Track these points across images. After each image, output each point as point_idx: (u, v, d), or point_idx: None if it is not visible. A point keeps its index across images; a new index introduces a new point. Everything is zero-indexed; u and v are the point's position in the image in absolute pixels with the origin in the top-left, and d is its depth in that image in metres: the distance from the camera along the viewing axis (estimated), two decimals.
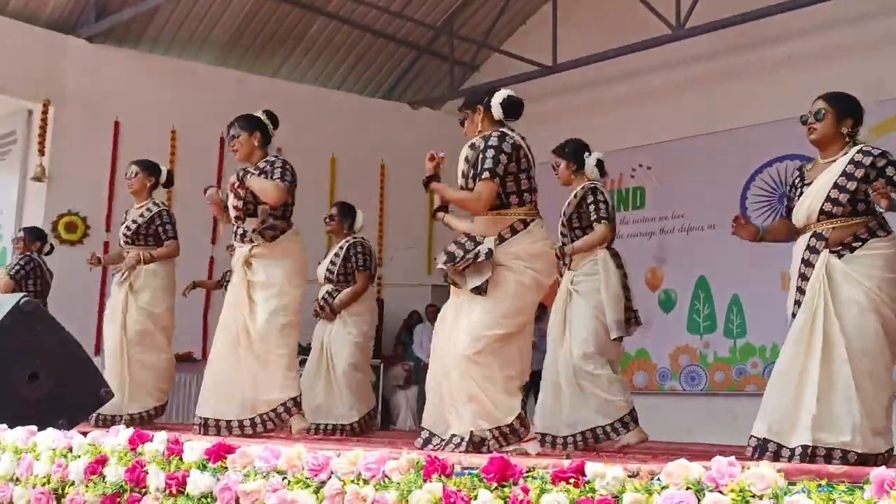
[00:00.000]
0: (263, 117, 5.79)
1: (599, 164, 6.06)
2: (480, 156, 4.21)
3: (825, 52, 9.84)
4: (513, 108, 4.49)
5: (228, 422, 5.14)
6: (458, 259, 4.13)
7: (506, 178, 4.24)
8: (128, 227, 6.71)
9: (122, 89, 10.60)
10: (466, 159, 4.41)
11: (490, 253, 4.12)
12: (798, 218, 4.44)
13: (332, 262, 7.62)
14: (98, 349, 10.00)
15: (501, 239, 4.29)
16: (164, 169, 6.95)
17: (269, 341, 5.44)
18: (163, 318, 6.82)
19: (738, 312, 9.93)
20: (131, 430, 2.56)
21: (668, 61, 10.72)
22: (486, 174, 4.17)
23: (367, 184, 12.06)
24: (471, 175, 4.22)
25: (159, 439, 2.54)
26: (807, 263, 4.35)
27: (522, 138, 4.34)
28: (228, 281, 6.48)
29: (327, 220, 7.85)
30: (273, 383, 5.43)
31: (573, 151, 6.07)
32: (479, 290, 4.19)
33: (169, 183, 6.92)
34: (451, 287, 4.36)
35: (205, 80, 11.21)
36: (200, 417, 5.20)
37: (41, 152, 10.24)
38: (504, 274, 4.23)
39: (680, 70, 10.78)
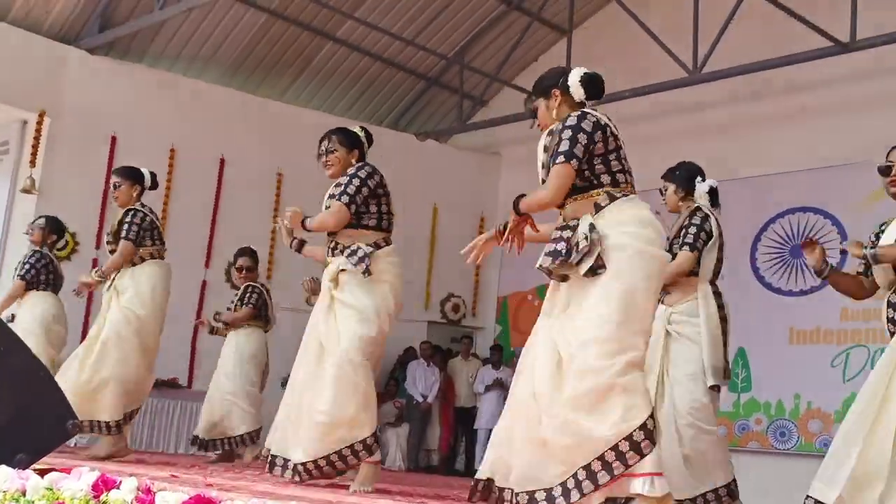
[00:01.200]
0: (361, 135, 5.28)
1: (712, 192, 5.28)
2: (557, 139, 3.61)
3: (840, 105, 9.64)
4: (594, 85, 3.78)
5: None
6: (566, 252, 3.51)
7: (593, 160, 3.59)
8: (109, 232, 6.26)
9: (120, 104, 10.34)
10: (545, 148, 3.82)
11: (592, 227, 3.46)
12: (884, 279, 3.95)
13: None
14: None
15: (597, 209, 3.57)
16: (146, 172, 6.35)
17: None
18: (145, 324, 6.06)
19: (743, 366, 9.63)
20: (96, 473, 2.25)
21: (682, 106, 10.51)
22: (560, 158, 3.56)
23: None
24: (550, 165, 3.66)
25: (128, 487, 2.23)
26: (892, 321, 3.91)
27: (608, 118, 3.62)
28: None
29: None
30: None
31: (684, 176, 5.30)
32: (596, 271, 3.44)
33: (154, 186, 6.36)
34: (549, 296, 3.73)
35: (208, 99, 10.97)
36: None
37: (33, 164, 9.96)
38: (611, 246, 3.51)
39: (694, 115, 10.56)
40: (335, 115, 12.14)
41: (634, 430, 3.16)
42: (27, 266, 7.14)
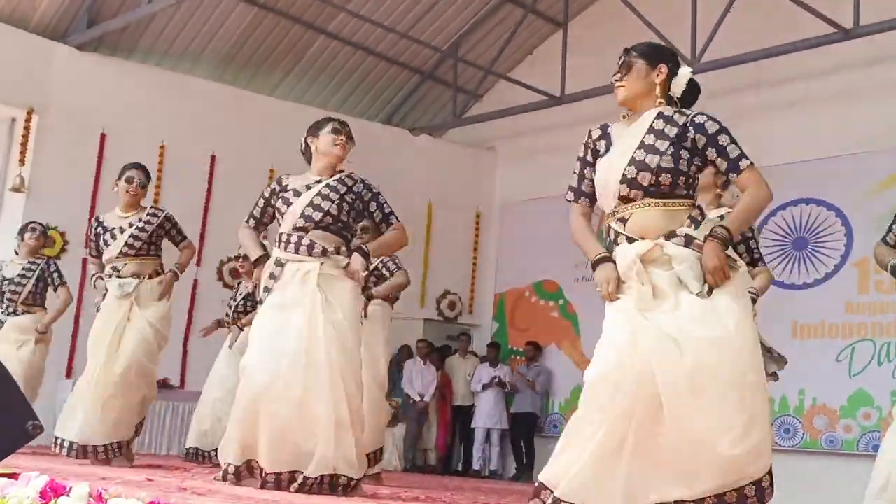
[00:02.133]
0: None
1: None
2: (717, 137, 3.27)
3: (843, 93, 9.46)
4: (693, 94, 3.54)
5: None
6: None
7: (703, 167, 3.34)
8: (134, 237, 5.97)
9: (110, 100, 10.16)
10: (661, 133, 3.26)
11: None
12: None
13: None
14: (70, 372, 9.50)
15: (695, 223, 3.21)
16: None
17: None
18: (164, 340, 6.02)
19: None
20: (45, 479, 2.08)
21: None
22: (746, 160, 3.29)
23: None
24: (669, 152, 3.17)
25: (78, 494, 2.05)
26: None
27: None
28: None
29: None
30: None
31: None
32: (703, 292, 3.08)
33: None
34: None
35: (198, 95, 10.79)
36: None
37: (21, 162, 9.79)
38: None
39: (693, 106, 10.37)
40: (328, 109, 11.95)
41: None
42: (59, 273, 7.21)
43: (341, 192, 4.52)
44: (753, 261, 4.68)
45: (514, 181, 12.34)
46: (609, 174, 3.21)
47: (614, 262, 3.15)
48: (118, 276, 5.80)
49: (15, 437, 2.52)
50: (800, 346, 9.13)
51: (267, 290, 4.36)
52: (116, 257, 5.86)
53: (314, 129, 4.66)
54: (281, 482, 3.98)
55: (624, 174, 3.16)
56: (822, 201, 9.39)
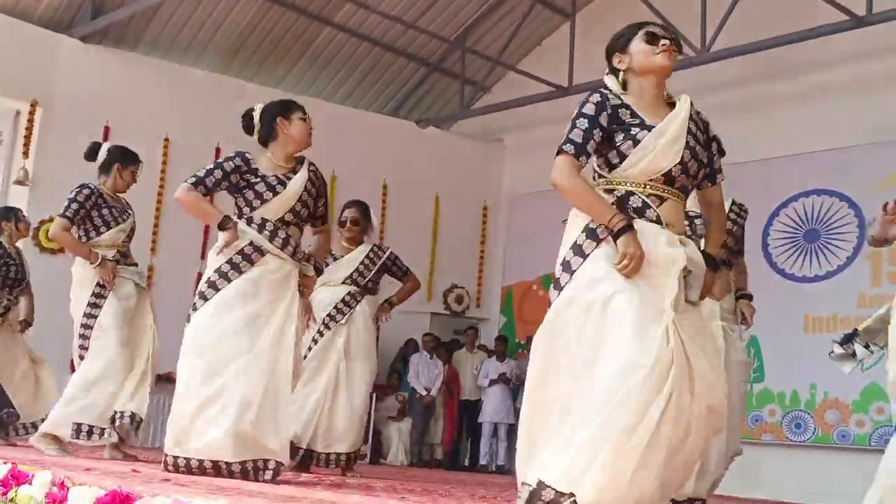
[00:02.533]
0: None
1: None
2: (717, 139, 3.30)
3: (856, 82, 9.32)
4: None
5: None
6: None
7: None
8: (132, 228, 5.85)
9: (114, 92, 10.10)
10: (697, 126, 3.27)
11: None
12: None
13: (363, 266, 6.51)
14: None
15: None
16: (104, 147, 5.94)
17: None
18: None
19: (756, 355, 9.32)
20: (7, 466, 2.00)
21: (691, 87, 10.13)
22: (721, 174, 3.39)
23: (368, 203, 11.51)
24: (705, 148, 3.19)
25: (40, 482, 1.98)
26: None
27: None
28: None
29: (348, 223, 6.26)
30: None
31: None
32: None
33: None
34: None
35: (203, 87, 10.72)
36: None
37: (25, 155, 9.74)
38: None
39: (704, 97, 10.13)
40: (334, 102, 11.91)
41: None
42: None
43: (316, 185, 4.41)
44: (736, 252, 4.72)
45: (522, 173, 12.23)
46: (664, 151, 3.09)
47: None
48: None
49: None
50: (811, 339, 9.01)
51: (236, 268, 4.20)
52: (122, 242, 5.75)
53: (284, 110, 4.42)
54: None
55: (682, 158, 3.09)
56: (834, 192, 9.25)
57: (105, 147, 5.83)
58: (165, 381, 9.64)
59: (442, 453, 11.30)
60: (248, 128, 4.44)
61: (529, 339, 11.13)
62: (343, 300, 5.97)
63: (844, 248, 9.14)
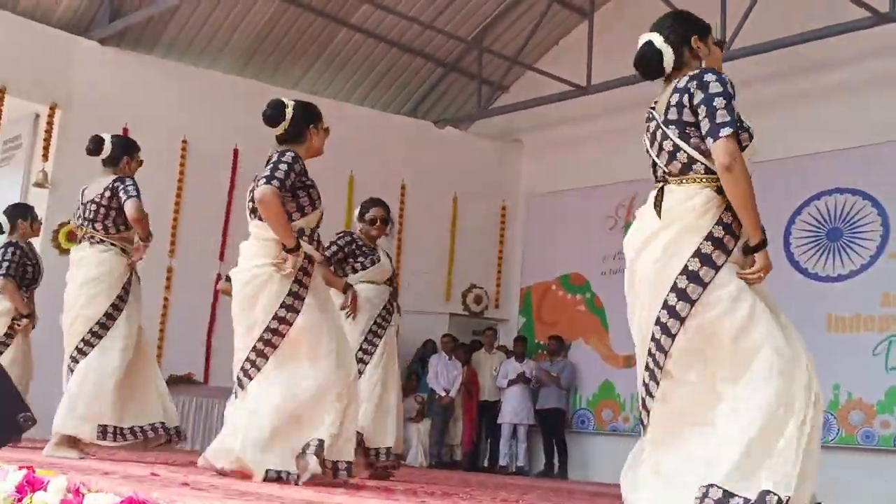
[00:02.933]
0: None
1: None
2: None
3: (879, 80, 9.22)
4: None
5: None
6: None
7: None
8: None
9: (132, 94, 10.11)
10: None
11: None
12: None
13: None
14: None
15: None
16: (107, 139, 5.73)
17: None
18: None
19: None
20: (23, 472, 1.98)
21: None
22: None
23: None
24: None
25: (55, 488, 1.95)
26: None
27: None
28: None
29: (378, 222, 6.08)
30: None
31: None
32: None
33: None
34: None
35: (220, 89, 10.72)
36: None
37: (45, 157, 9.77)
38: None
39: None
40: (351, 102, 11.90)
41: None
42: (5, 264, 6.69)
43: None
44: None
45: (541, 173, 12.18)
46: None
47: None
48: None
49: (7, 430, 2.42)
50: (835, 339, 8.92)
51: (304, 287, 4.16)
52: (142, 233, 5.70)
53: (317, 119, 4.35)
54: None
55: None
56: (857, 191, 9.15)
57: (108, 139, 5.74)
58: (186, 382, 9.72)
59: (461, 454, 11.26)
60: (273, 119, 4.24)
61: (550, 340, 11.14)
62: (390, 300, 6.01)
63: (867, 247, 9.04)
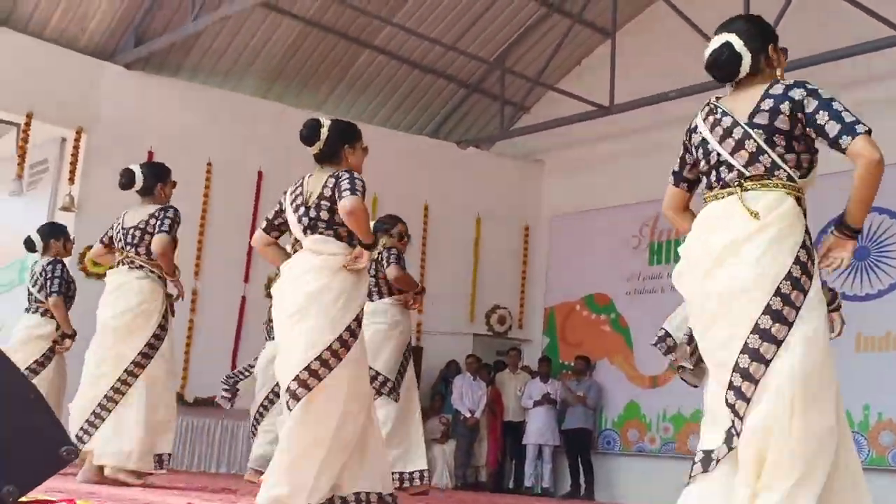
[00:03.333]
0: None
1: None
2: None
3: None
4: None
5: None
6: None
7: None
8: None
9: (157, 118, 10.20)
10: None
11: None
12: None
13: None
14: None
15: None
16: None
17: None
18: None
19: None
20: None
21: None
22: None
23: (409, 225, 11.46)
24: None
25: None
26: None
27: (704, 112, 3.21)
28: None
29: (407, 237, 6.65)
30: None
31: None
32: None
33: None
34: None
35: (244, 112, 10.79)
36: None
37: (71, 181, 9.85)
38: None
39: None
40: (374, 124, 11.92)
41: None
42: (57, 281, 6.77)
43: None
44: None
45: (563, 193, 12.16)
46: None
47: None
48: None
49: (48, 464, 2.42)
50: (864, 359, 8.83)
51: (362, 311, 4.19)
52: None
53: (353, 139, 4.32)
54: None
55: None
56: (884, 209, 9.07)
57: (138, 171, 5.80)
58: (210, 405, 9.74)
59: (486, 475, 11.20)
60: (309, 139, 4.23)
61: (576, 359, 11.07)
62: None
63: (895, 266, 8.96)
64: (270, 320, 6.84)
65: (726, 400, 2.83)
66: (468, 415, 10.85)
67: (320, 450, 3.83)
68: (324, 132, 4.23)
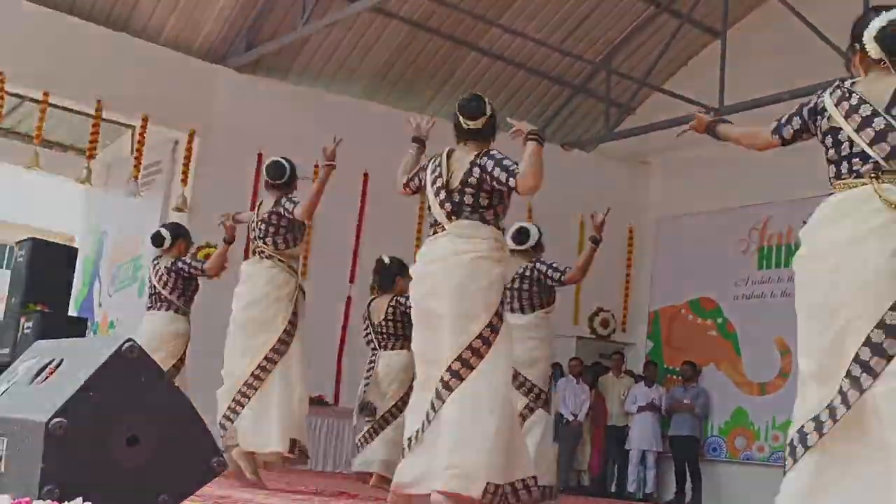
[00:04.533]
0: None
1: None
2: None
3: None
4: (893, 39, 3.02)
5: None
6: None
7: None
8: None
9: (267, 120, 10.37)
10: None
11: None
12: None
13: None
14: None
15: None
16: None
17: None
18: None
19: None
20: None
21: None
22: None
23: (510, 225, 11.51)
24: None
25: None
26: None
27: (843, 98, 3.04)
28: None
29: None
30: None
31: None
32: None
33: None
34: None
35: (351, 114, 10.88)
36: None
37: (184, 182, 10.09)
38: None
39: None
40: None
41: None
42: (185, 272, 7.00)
43: None
44: None
45: (670, 195, 11.99)
46: None
47: None
48: None
49: (200, 474, 2.48)
50: None
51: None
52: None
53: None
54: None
55: None
56: None
57: (286, 163, 6.24)
58: (317, 403, 9.88)
59: (588, 479, 11.12)
60: (475, 114, 4.31)
61: (683, 365, 10.90)
62: None
63: None
64: (375, 331, 6.93)
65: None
66: (571, 418, 10.78)
67: (488, 430, 3.77)
68: (488, 109, 4.26)
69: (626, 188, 12.36)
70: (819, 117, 3.08)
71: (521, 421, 5.56)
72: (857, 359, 2.75)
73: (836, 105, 3.00)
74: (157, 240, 7.07)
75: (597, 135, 12.26)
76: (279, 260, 5.74)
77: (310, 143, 10.57)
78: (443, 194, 4.10)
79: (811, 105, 3.13)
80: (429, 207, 4.23)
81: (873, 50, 3.01)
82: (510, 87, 11.90)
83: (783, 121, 3.24)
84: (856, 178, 2.93)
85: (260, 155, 10.33)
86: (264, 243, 5.79)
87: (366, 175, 10.85)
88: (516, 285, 6.10)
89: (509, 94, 11.97)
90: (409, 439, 4.01)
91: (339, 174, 10.58)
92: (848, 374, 2.76)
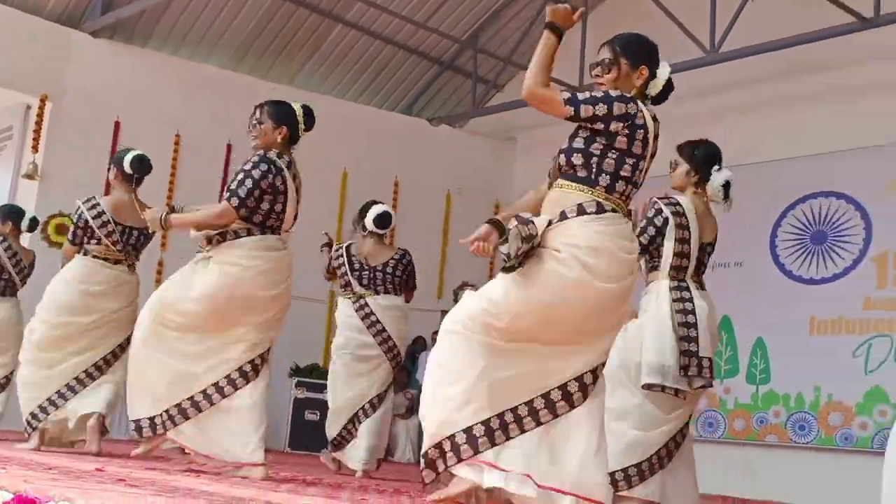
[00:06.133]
0: (298, 112, 4.84)
1: (726, 185, 4.69)
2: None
3: (865, 85, 9.24)
4: (666, 92, 3.87)
5: None
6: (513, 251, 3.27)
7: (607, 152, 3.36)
8: None
9: (125, 88, 10.16)
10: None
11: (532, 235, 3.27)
12: None
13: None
14: None
15: (562, 218, 3.36)
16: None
17: None
18: None
19: (762, 357, 9.28)
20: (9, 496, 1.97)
21: (698, 88, 10.12)
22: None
23: (380, 200, 11.55)
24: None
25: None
26: None
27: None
28: None
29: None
30: None
31: (701, 159, 4.71)
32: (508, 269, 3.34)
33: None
34: None
35: (214, 84, 10.75)
36: None
37: (35, 149, 9.80)
38: (544, 258, 3.30)
39: (710, 98, 10.18)
40: (346, 99, 11.93)
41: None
42: None
43: None
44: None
45: (534, 171, 12.09)
46: None
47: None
48: None
49: None
50: (817, 341, 8.95)
51: None
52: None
53: None
54: None
55: None
56: (842, 194, 9.17)
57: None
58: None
59: None
60: None
61: None
62: None
63: (851, 251, 9.06)
64: None
65: None
66: None
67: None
68: None
69: (493, 164, 12.54)
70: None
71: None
72: None
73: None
74: None
75: (464, 111, 12.38)
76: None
77: (170, 111, 10.45)
78: None
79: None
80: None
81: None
82: (378, 62, 11.91)
83: (583, 98, 3.46)
84: None
85: (117, 123, 10.14)
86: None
87: (229, 146, 10.72)
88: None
89: (378, 68, 11.98)
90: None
91: (202, 145, 10.57)
92: None
